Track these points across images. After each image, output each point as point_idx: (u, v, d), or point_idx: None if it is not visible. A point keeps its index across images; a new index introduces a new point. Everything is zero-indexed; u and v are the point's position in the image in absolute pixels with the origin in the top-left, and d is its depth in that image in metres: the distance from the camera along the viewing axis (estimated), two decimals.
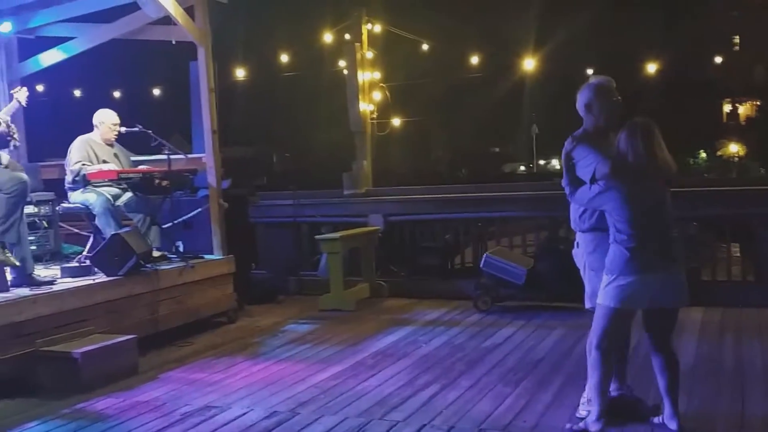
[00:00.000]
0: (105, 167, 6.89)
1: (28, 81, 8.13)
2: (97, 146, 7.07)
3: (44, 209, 7.19)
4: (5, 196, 5.60)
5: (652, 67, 12.22)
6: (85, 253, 6.91)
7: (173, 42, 7.45)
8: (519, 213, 8.65)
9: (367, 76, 9.50)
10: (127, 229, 6.55)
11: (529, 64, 11.22)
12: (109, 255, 6.18)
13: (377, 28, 9.71)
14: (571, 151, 4.09)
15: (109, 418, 4.64)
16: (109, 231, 6.56)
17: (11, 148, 5.98)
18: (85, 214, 7.03)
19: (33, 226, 6.93)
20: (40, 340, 5.29)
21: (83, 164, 6.86)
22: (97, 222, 6.81)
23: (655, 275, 3.86)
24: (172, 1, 6.91)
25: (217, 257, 7.31)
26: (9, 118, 6.04)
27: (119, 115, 7.26)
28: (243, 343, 6.53)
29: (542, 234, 8.74)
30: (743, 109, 43.87)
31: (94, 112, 7.25)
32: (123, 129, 7.18)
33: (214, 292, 7.15)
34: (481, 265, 7.57)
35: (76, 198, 6.91)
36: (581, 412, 4.24)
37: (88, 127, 7.20)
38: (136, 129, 7.15)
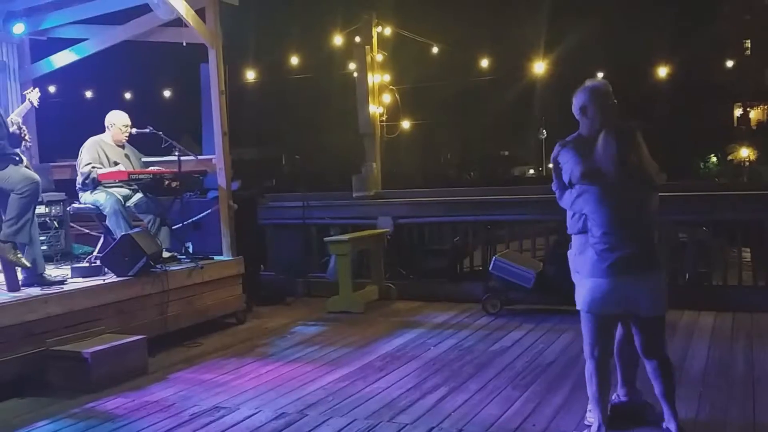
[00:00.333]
0: (115, 169, 6.92)
1: (40, 82, 8.19)
2: (108, 147, 7.10)
3: (55, 209, 7.23)
4: (17, 197, 5.62)
5: (663, 71, 12.18)
6: (95, 253, 6.94)
7: (184, 44, 7.49)
8: (528, 216, 8.63)
9: (376, 78, 9.50)
10: (137, 229, 6.58)
11: (540, 67, 11.21)
12: (120, 255, 6.21)
13: (387, 31, 9.71)
14: (557, 155, 4.11)
15: (119, 418, 4.66)
16: (119, 231, 6.59)
17: (23, 148, 6.01)
18: (95, 215, 7.06)
19: (44, 227, 6.96)
20: (50, 340, 5.32)
21: (93, 166, 6.89)
22: (107, 222, 6.83)
23: (626, 279, 3.80)
24: (183, 3, 6.93)
25: (227, 258, 7.33)
26: (21, 119, 6.07)
27: (130, 117, 7.29)
28: (252, 344, 6.54)
29: (551, 237, 8.72)
30: (754, 114, 43.68)
31: (106, 114, 7.29)
32: (134, 130, 7.21)
33: (223, 293, 7.16)
34: (490, 268, 7.56)
35: (87, 198, 6.95)
36: (589, 419, 4.22)
37: (100, 128, 7.23)
38: (147, 130, 7.18)
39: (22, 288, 5.67)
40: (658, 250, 3.93)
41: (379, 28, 9.59)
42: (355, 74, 9.61)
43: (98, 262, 6.49)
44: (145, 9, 7.27)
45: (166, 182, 7.04)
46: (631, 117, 4.24)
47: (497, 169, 42.34)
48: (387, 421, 4.44)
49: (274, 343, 6.57)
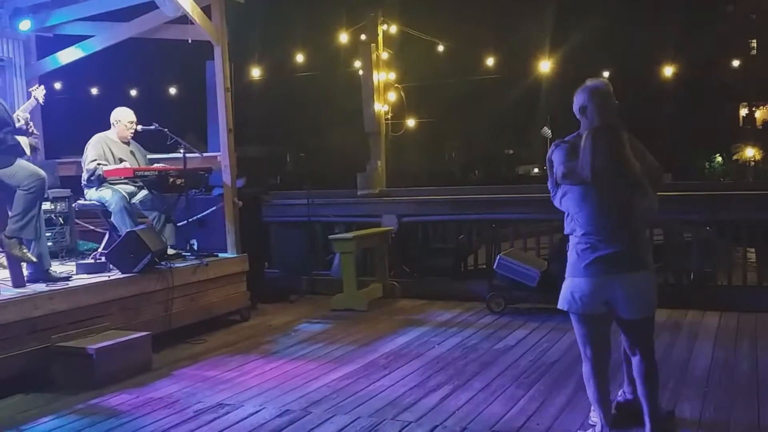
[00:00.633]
0: (121, 166, 6.94)
1: (46, 79, 8.21)
2: (113, 144, 7.11)
3: (61, 206, 7.25)
4: (23, 193, 5.63)
5: (668, 71, 12.17)
6: (100, 249, 6.97)
7: (190, 41, 7.48)
8: (532, 215, 8.63)
9: (382, 76, 9.51)
10: (142, 226, 6.59)
11: (545, 66, 11.20)
12: (125, 252, 6.22)
13: (393, 29, 9.72)
14: (551, 155, 4.10)
15: (123, 414, 4.67)
16: (124, 228, 6.60)
17: (33, 149, 6.01)
18: (100, 211, 7.08)
19: (49, 223, 6.98)
20: (55, 336, 5.34)
21: (98, 163, 6.91)
22: (112, 219, 6.85)
23: (605, 280, 3.74)
24: (189, 0, 6.94)
25: (231, 255, 7.34)
26: (29, 115, 6.08)
27: (136, 114, 7.30)
28: (256, 342, 6.55)
29: (556, 236, 8.71)
30: (760, 113, 43.53)
31: (111, 110, 7.30)
32: (139, 127, 7.22)
33: (227, 290, 7.17)
34: (494, 267, 7.56)
35: (92, 195, 6.96)
36: (593, 418, 4.22)
37: (105, 125, 7.24)
38: (152, 127, 7.20)
39: (27, 284, 5.69)
40: (645, 251, 3.84)
41: (385, 26, 9.60)
42: (361, 72, 9.63)
43: (103, 259, 6.51)
44: (151, 6, 7.27)
45: (171, 179, 7.06)
46: (632, 117, 4.18)
47: (502, 167, 42.31)
48: (391, 419, 4.44)
49: (278, 341, 6.58)
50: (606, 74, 13.23)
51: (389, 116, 9.71)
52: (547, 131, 24.33)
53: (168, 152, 7.50)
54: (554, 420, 4.37)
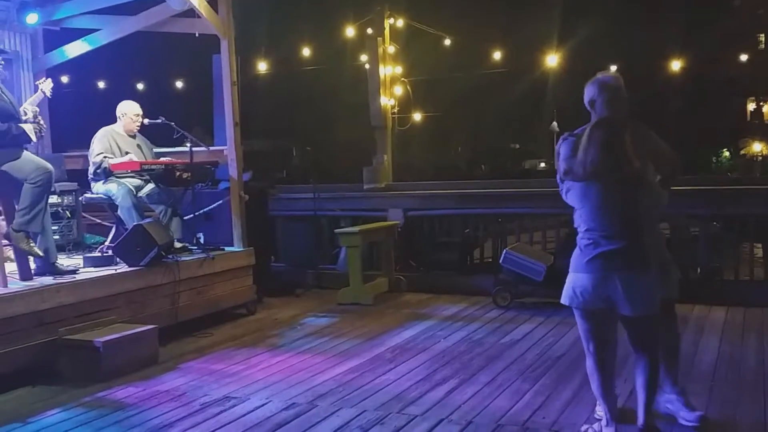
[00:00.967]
0: (127, 159, 6.95)
1: (53, 72, 8.22)
2: (119, 137, 7.12)
3: (67, 199, 7.27)
4: (30, 186, 5.64)
5: (676, 65, 12.11)
6: (107, 243, 6.98)
7: (197, 35, 7.49)
8: (539, 209, 8.62)
9: (388, 70, 9.48)
10: (148, 220, 6.60)
11: (552, 60, 11.16)
12: (131, 245, 6.24)
13: (399, 23, 9.69)
14: (558, 148, 4.09)
15: (130, 407, 4.68)
16: (131, 222, 6.61)
17: (38, 136, 6.02)
18: (107, 205, 7.09)
19: (56, 216, 7.01)
20: (62, 329, 5.36)
21: (105, 156, 6.92)
22: (119, 212, 6.86)
23: (606, 276, 3.72)
24: None
25: (238, 249, 7.35)
26: (38, 108, 6.09)
27: (142, 108, 7.31)
28: (262, 335, 6.56)
29: (562, 230, 8.70)
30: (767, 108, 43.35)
31: (118, 104, 7.30)
32: (146, 120, 7.24)
33: (233, 283, 7.19)
34: (500, 261, 7.55)
35: (99, 189, 6.98)
36: (599, 412, 4.22)
37: (112, 119, 7.26)
38: (158, 121, 7.21)
39: (34, 277, 5.71)
40: (651, 247, 3.80)
41: (392, 20, 9.57)
42: (367, 66, 9.60)
43: (110, 252, 6.53)
44: (158, 0, 7.29)
45: (178, 173, 7.08)
46: (638, 111, 4.13)
47: (508, 162, 42.23)
48: (396, 413, 4.45)
49: (284, 334, 6.59)
50: (613, 68, 13.20)
51: (395, 110, 9.69)
52: (555, 126, 24.28)
53: (174, 146, 7.52)
54: (560, 414, 4.38)
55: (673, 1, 32.50)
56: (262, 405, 4.65)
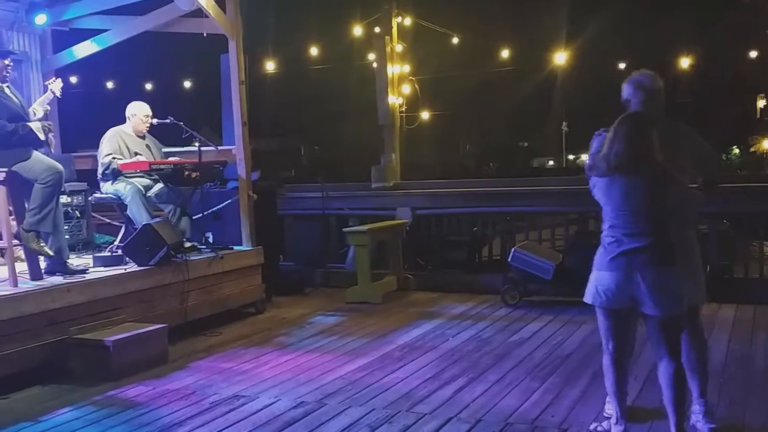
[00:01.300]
0: (136, 159, 6.98)
1: (62, 73, 8.25)
2: (128, 138, 7.15)
3: (77, 199, 7.30)
4: (41, 186, 5.67)
5: (685, 62, 12.06)
6: (116, 242, 7.01)
7: (205, 34, 7.52)
8: (547, 208, 8.60)
9: (396, 69, 9.49)
10: (158, 219, 6.63)
11: (560, 58, 11.13)
12: (141, 245, 6.26)
13: (407, 21, 9.68)
14: (591, 142, 4.07)
15: (140, 406, 4.71)
16: (140, 221, 6.64)
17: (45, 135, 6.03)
18: (117, 205, 7.13)
19: (66, 216, 7.02)
20: (73, 328, 5.39)
21: (114, 157, 6.95)
22: (128, 212, 6.89)
23: (629, 274, 3.65)
24: None
25: (246, 248, 7.37)
26: (49, 108, 6.12)
27: (151, 108, 7.33)
28: (271, 334, 6.58)
29: (571, 229, 8.69)
30: None
31: (127, 104, 7.33)
32: (155, 121, 7.26)
33: (242, 283, 7.21)
34: (509, 260, 7.55)
35: (108, 188, 7.01)
36: (608, 410, 4.21)
37: (121, 119, 7.29)
38: (167, 121, 7.23)
39: (45, 276, 5.74)
40: (676, 245, 3.72)
41: (399, 19, 9.57)
42: (375, 65, 9.60)
43: (120, 252, 6.55)
44: (167, 0, 7.31)
45: (187, 172, 7.10)
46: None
47: (516, 160, 42.19)
48: (405, 411, 4.45)
49: (293, 333, 6.61)
50: (622, 66, 13.16)
51: (403, 109, 9.69)
52: (564, 126, 24.30)
53: (183, 145, 7.54)
54: (569, 412, 4.37)
55: None
56: (271, 403, 4.67)
